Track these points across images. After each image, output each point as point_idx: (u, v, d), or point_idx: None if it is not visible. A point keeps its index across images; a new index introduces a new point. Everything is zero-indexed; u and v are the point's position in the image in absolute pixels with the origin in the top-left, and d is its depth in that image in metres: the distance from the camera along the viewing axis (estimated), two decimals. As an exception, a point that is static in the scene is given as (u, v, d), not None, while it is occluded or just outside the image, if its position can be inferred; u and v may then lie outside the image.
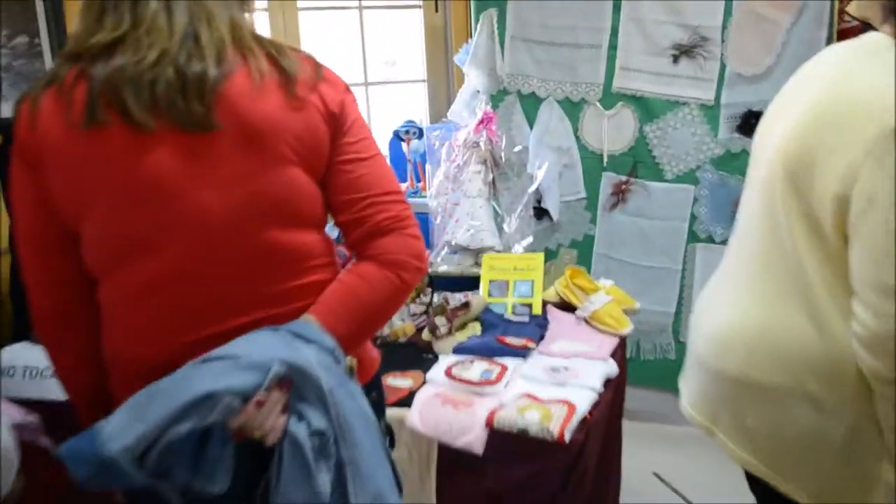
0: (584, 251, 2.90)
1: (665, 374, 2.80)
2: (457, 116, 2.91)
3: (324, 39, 4.11)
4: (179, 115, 1.03)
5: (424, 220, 2.19)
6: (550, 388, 1.55)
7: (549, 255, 2.93)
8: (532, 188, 2.19)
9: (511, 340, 1.76)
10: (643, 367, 2.89)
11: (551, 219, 2.80)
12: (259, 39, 1.14)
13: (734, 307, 1.22)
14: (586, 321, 1.91)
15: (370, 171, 1.16)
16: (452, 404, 1.49)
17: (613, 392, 1.64)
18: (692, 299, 2.77)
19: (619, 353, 1.79)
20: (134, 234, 1.05)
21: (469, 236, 2.06)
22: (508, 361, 1.68)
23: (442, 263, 2.09)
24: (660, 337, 2.88)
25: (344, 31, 4.16)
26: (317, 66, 1.16)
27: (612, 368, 1.67)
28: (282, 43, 1.19)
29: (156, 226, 1.05)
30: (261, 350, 1.02)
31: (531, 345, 1.74)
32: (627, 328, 1.87)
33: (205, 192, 1.04)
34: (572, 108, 2.79)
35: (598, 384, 1.56)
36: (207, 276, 1.07)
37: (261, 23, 3.99)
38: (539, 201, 2.81)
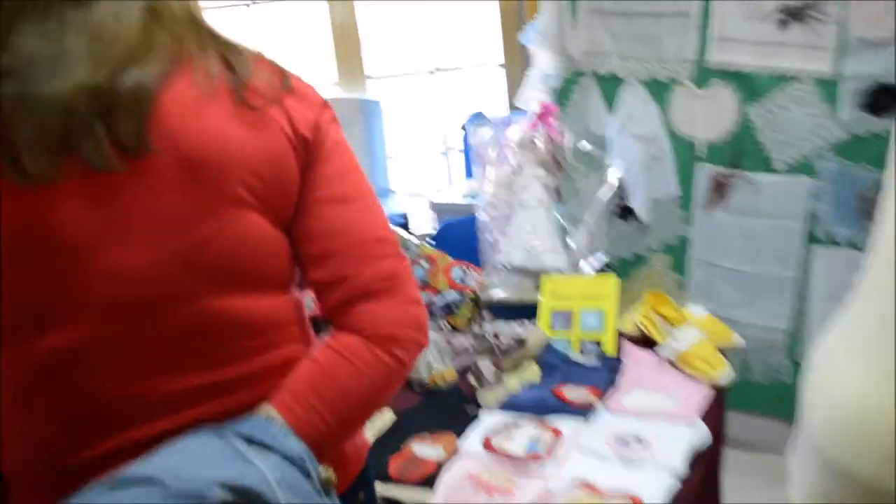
0: (678, 257, 2.50)
1: (777, 399, 2.42)
2: (526, 104, 2.57)
3: (385, 26, 3.84)
4: (93, 148, 0.75)
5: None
6: (615, 468, 1.19)
7: (638, 262, 2.55)
8: (606, 192, 1.81)
9: (571, 394, 1.41)
10: (751, 389, 2.47)
11: (638, 220, 2.44)
12: (210, 33, 0.86)
13: (867, 379, 0.84)
14: (671, 363, 1.53)
15: (355, 215, 0.89)
16: (486, 490, 1.16)
17: (703, 473, 1.26)
18: (811, 313, 2.33)
19: (713, 410, 1.41)
20: (25, 306, 0.78)
21: (527, 256, 1.71)
22: (566, 423, 1.33)
23: (495, 288, 1.75)
24: (770, 356, 2.45)
25: (408, 14, 3.87)
26: (282, 74, 0.87)
27: (700, 436, 1.29)
28: (232, 39, 0.89)
29: (55, 295, 0.77)
30: (194, 467, 0.73)
31: (597, 400, 1.38)
32: (723, 374, 1.48)
33: (124, 247, 0.78)
34: (659, 90, 2.40)
35: (679, 464, 1.19)
36: (125, 361, 0.80)
37: (320, 14, 3.76)
38: (623, 199, 2.44)
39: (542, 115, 1.76)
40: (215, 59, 0.83)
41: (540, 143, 1.76)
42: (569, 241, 1.75)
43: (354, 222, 0.88)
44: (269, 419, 0.81)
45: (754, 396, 2.46)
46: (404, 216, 3.31)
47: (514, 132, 1.78)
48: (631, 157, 2.42)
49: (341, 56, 3.67)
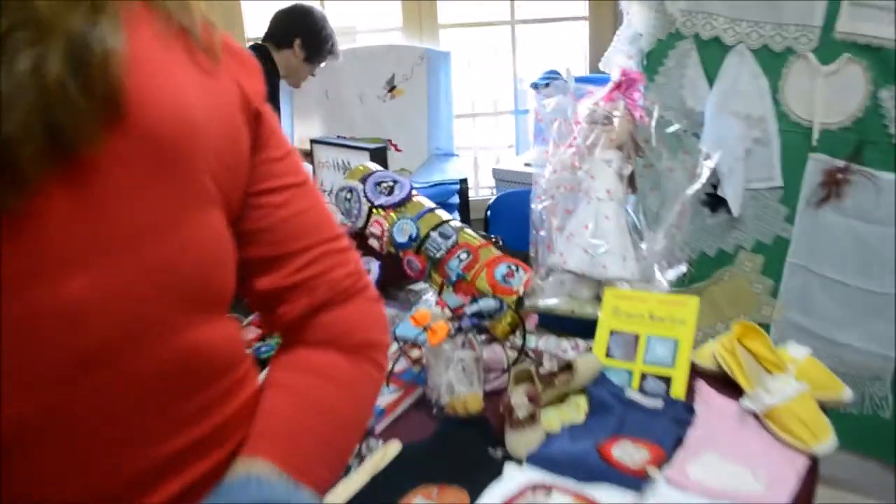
0: (773, 259, 2.16)
1: (874, 437, 2.07)
2: (610, 68, 2.21)
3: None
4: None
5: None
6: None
7: (724, 260, 2.20)
8: (696, 187, 1.46)
9: (622, 453, 1.09)
10: (844, 422, 2.09)
11: (729, 211, 2.08)
12: None
13: None
14: (757, 417, 1.19)
15: (310, 205, 0.75)
16: (495, 588, 0.87)
17: None
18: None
19: (804, 487, 1.07)
20: None
21: (586, 260, 1.39)
22: (611, 495, 1.02)
23: (544, 294, 1.44)
24: (872, 386, 2.09)
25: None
26: (213, 29, 0.67)
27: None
28: None
29: None
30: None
31: (655, 469, 1.06)
32: (826, 445, 1.14)
33: (68, 274, 0.56)
34: (772, 61, 2.01)
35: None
36: (73, 440, 0.59)
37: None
38: (715, 186, 2.09)
39: (624, 86, 1.41)
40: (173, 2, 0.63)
41: (617, 120, 1.41)
42: (642, 245, 1.41)
43: (311, 215, 0.75)
44: (271, 476, 0.65)
45: (848, 431, 2.09)
46: (461, 182, 2.99)
47: (586, 104, 1.44)
48: (730, 138, 2.05)
49: (410, 3, 3.33)
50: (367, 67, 3.18)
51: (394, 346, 1.40)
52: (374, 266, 1.68)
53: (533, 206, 1.46)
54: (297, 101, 2.84)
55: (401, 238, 1.62)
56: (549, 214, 1.44)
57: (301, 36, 2.81)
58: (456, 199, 2.96)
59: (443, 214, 1.66)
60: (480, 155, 3.59)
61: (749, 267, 2.20)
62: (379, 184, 1.71)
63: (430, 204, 1.69)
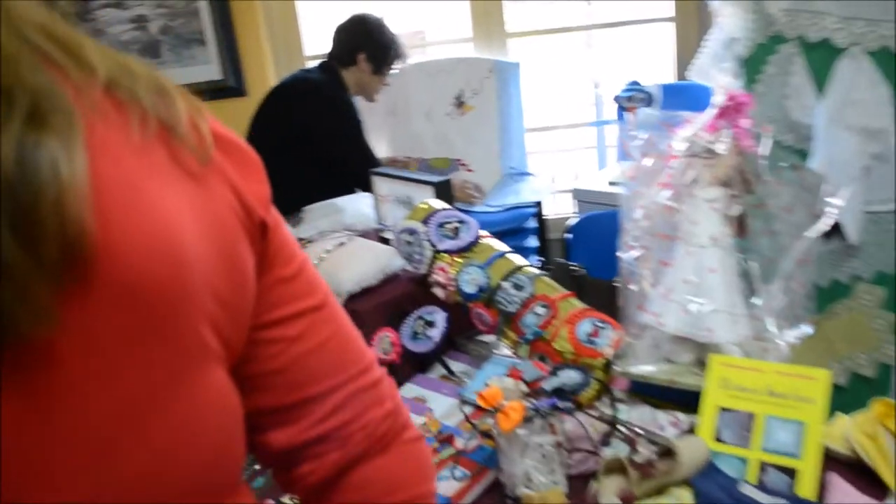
0: (895, 291, 1.86)
1: None
2: (702, 76, 1.98)
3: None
4: None
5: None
6: None
7: (840, 293, 1.94)
8: (820, 227, 1.22)
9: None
10: None
11: (844, 237, 1.82)
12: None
13: None
14: (913, 526, 0.95)
15: (333, 331, 0.59)
16: None
17: None
18: None
19: None
20: None
21: (688, 321, 1.17)
22: None
23: (636, 358, 1.23)
24: None
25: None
26: (201, 118, 0.51)
27: None
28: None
29: None
30: None
31: None
32: None
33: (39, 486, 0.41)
34: (893, 65, 1.73)
35: None
36: None
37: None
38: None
39: (730, 111, 1.18)
40: (145, 90, 0.47)
41: (722, 152, 1.19)
42: (754, 301, 1.18)
43: (335, 345, 0.59)
44: None
45: None
46: (537, 205, 2.78)
47: (683, 134, 1.22)
48: (844, 155, 1.79)
49: (478, 8, 3.14)
50: (433, 83, 3.01)
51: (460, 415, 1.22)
52: (440, 318, 1.49)
53: (621, 254, 1.25)
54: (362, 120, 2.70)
55: (468, 289, 1.43)
56: (640, 266, 1.22)
57: (364, 49, 2.67)
58: (533, 223, 2.75)
59: (516, 259, 1.47)
60: (558, 171, 3.37)
61: (868, 300, 1.93)
62: (443, 225, 1.52)
63: (501, 247, 1.50)
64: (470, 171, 3.00)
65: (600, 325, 1.31)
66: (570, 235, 2.67)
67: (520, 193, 2.81)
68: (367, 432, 0.58)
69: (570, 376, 1.15)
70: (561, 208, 3.26)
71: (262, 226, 0.52)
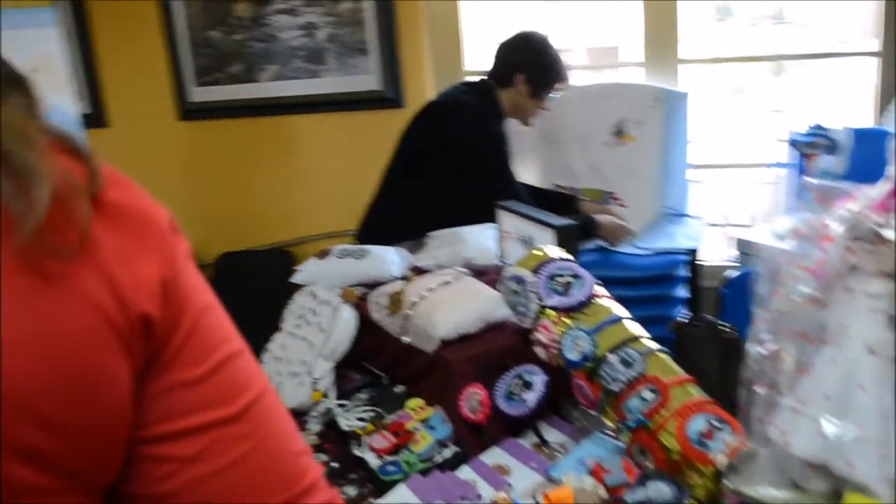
0: None
1: None
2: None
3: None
4: None
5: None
6: None
7: None
8: None
9: None
10: None
11: None
12: None
13: None
14: None
15: (251, 447, 0.46)
16: None
17: None
18: None
19: None
20: None
21: (823, 446, 0.93)
22: None
23: (755, 474, 1.01)
24: None
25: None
26: (91, 173, 0.42)
27: None
28: None
29: None
30: None
31: None
32: None
33: None
34: None
35: None
36: None
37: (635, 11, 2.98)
38: None
39: (905, 189, 0.94)
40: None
41: (892, 238, 0.94)
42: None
43: (252, 468, 0.46)
44: None
45: None
46: (692, 252, 2.52)
47: (848, 208, 0.99)
48: None
49: (652, 32, 2.91)
50: (592, 108, 2.82)
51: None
52: (538, 382, 1.34)
53: (749, 348, 1.03)
54: (512, 146, 2.56)
55: (571, 355, 1.26)
56: (771, 366, 1.00)
57: (524, 70, 2.53)
58: (684, 271, 2.49)
59: (632, 329, 1.28)
60: (721, 215, 3.06)
61: None
62: (554, 277, 1.36)
63: (617, 311, 1.32)
64: (623, 206, 2.78)
65: (717, 424, 1.09)
66: (725, 290, 2.39)
67: (674, 237, 2.56)
68: None
69: (659, 491, 0.95)
70: (720, 254, 2.96)
71: (144, 321, 0.42)
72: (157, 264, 0.44)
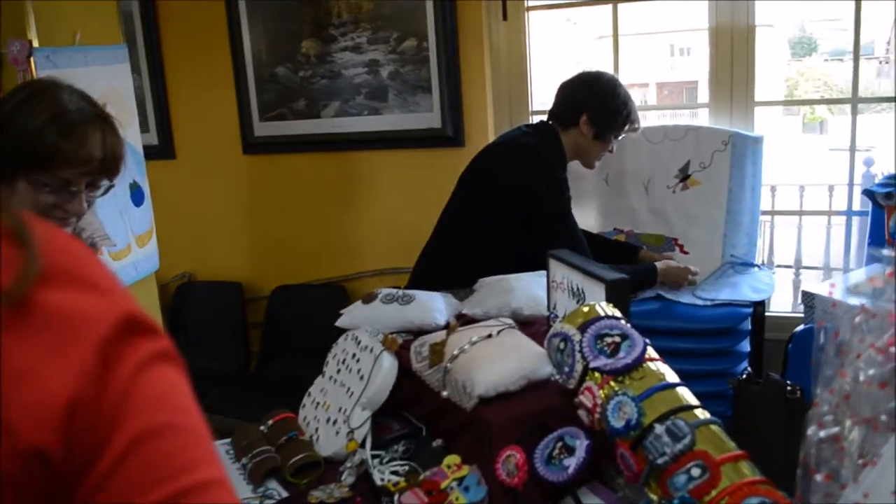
0: None
1: None
2: None
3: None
4: None
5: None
6: None
7: None
8: None
9: None
10: None
11: None
12: None
13: None
14: None
15: None
16: None
17: None
18: None
19: None
20: None
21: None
22: None
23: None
24: None
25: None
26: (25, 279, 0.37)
27: None
28: None
29: None
30: None
31: None
32: None
33: None
34: None
35: None
36: None
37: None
38: None
39: None
40: None
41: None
42: None
43: None
44: None
45: None
46: (756, 305, 2.39)
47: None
48: None
49: (720, 73, 2.81)
50: (657, 151, 2.73)
51: None
52: (581, 447, 1.26)
53: (809, 432, 0.94)
54: (571, 187, 2.49)
55: (615, 422, 1.18)
56: (833, 453, 0.91)
57: (587, 111, 2.44)
58: (748, 325, 2.37)
59: (683, 397, 1.19)
60: (791, 263, 2.92)
61: None
62: (601, 337, 1.29)
63: (668, 376, 1.23)
64: (685, 252, 2.67)
65: (773, 510, 1.00)
66: (790, 347, 2.26)
67: (739, 287, 2.43)
68: None
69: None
70: (787, 302, 2.82)
71: (34, 452, 0.36)
72: (74, 381, 0.38)
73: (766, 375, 2.25)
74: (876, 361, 0.90)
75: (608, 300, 1.44)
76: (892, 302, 0.92)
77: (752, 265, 2.59)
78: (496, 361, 1.39)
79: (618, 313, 1.37)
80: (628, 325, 1.33)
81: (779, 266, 3.10)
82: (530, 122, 3.12)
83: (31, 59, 2.19)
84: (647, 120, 3.00)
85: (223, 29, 3.36)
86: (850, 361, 0.90)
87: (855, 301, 1.60)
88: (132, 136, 2.59)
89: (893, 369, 0.88)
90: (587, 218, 2.81)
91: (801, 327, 2.30)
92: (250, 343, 3.63)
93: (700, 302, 2.37)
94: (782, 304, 2.98)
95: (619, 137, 2.53)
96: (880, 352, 0.89)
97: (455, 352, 1.44)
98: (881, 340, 0.90)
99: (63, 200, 1.34)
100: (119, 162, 1.42)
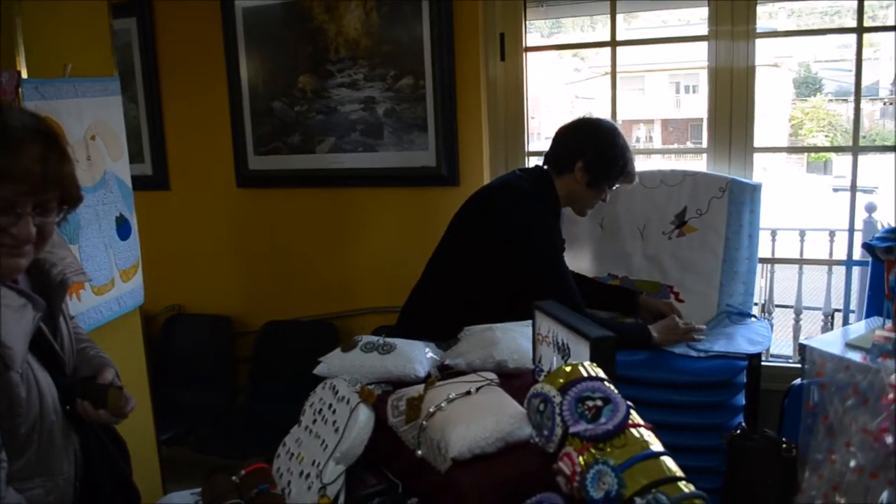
0: None
1: None
2: None
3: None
4: None
5: None
6: None
7: None
8: None
9: None
10: None
11: None
12: None
13: None
14: None
15: None
16: None
17: None
18: None
19: None
20: None
21: None
22: None
23: None
24: None
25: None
26: None
27: None
28: None
29: None
30: None
31: None
32: None
33: None
34: None
35: None
36: None
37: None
38: None
39: None
40: None
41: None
42: None
43: None
44: None
45: None
46: (752, 358, 2.33)
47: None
48: None
49: (719, 115, 2.78)
50: (652, 196, 2.69)
51: None
52: (558, 515, 1.19)
53: (803, 485, 0.88)
54: (565, 230, 2.44)
55: (594, 492, 1.12)
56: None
57: (583, 158, 2.37)
58: (743, 378, 2.30)
59: (667, 467, 1.13)
60: (787, 316, 2.86)
61: None
62: (582, 400, 1.23)
63: (652, 445, 1.17)
64: (680, 300, 2.62)
65: None
66: (787, 402, 2.19)
67: (734, 339, 2.37)
68: None
69: None
70: (787, 347, 2.75)
71: None
72: None
73: (761, 431, 2.18)
74: (868, 447, 0.84)
75: (592, 359, 1.38)
76: (889, 375, 0.86)
77: (749, 315, 2.54)
78: (473, 422, 1.32)
79: (602, 374, 1.32)
80: (612, 387, 1.27)
81: (778, 306, 3.04)
82: (526, 162, 3.08)
83: (20, 90, 2.16)
84: (651, 161, 2.97)
85: (221, 61, 3.35)
86: (840, 447, 0.84)
87: (854, 356, 1.54)
88: (121, 169, 2.56)
89: (886, 457, 0.82)
90: (581, 262, 2.76)
91: (797, 381, 2.24)
92: (238, 378, 3.57)
93: (694, 353, 2.30)
94: (783, 346, 2.92)
95: (614, 187, 2.46)
96: (874, 438, 0.83)
97: (431, 409, 1.38)
98: (873, 424, 0.84)
99: (8, 224, 1.25)
100: (66, 182, 1.32)
